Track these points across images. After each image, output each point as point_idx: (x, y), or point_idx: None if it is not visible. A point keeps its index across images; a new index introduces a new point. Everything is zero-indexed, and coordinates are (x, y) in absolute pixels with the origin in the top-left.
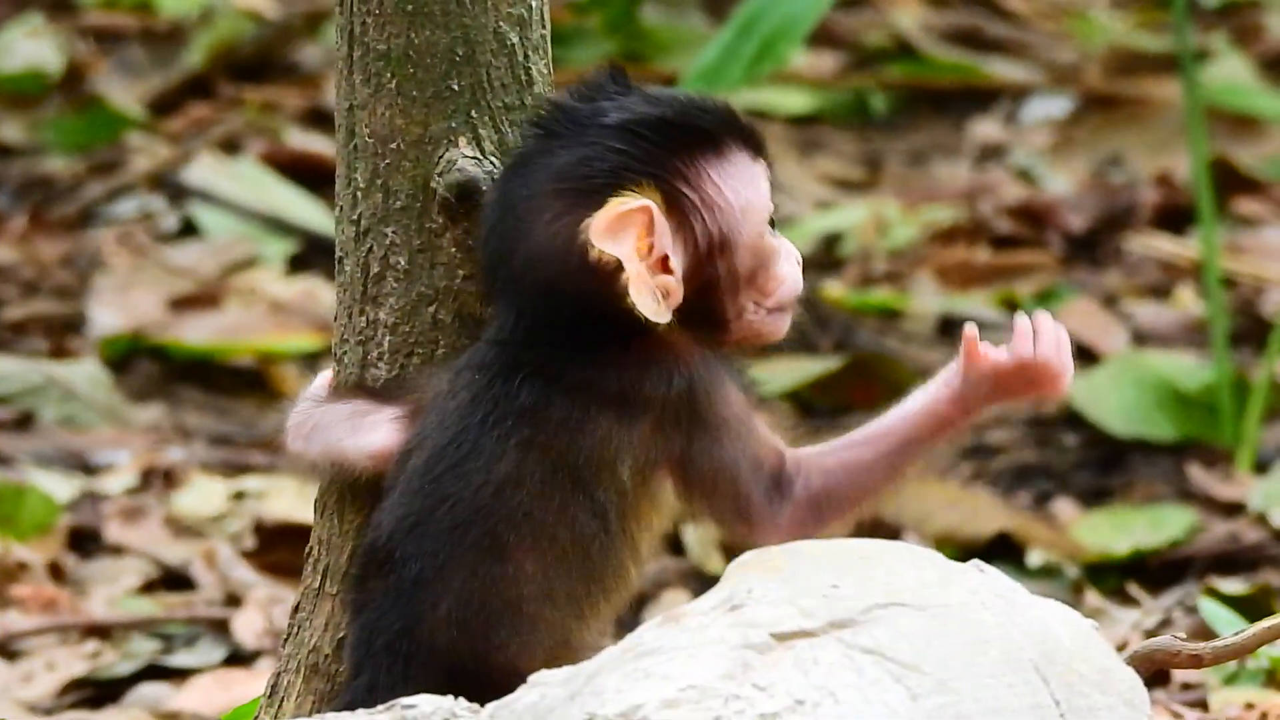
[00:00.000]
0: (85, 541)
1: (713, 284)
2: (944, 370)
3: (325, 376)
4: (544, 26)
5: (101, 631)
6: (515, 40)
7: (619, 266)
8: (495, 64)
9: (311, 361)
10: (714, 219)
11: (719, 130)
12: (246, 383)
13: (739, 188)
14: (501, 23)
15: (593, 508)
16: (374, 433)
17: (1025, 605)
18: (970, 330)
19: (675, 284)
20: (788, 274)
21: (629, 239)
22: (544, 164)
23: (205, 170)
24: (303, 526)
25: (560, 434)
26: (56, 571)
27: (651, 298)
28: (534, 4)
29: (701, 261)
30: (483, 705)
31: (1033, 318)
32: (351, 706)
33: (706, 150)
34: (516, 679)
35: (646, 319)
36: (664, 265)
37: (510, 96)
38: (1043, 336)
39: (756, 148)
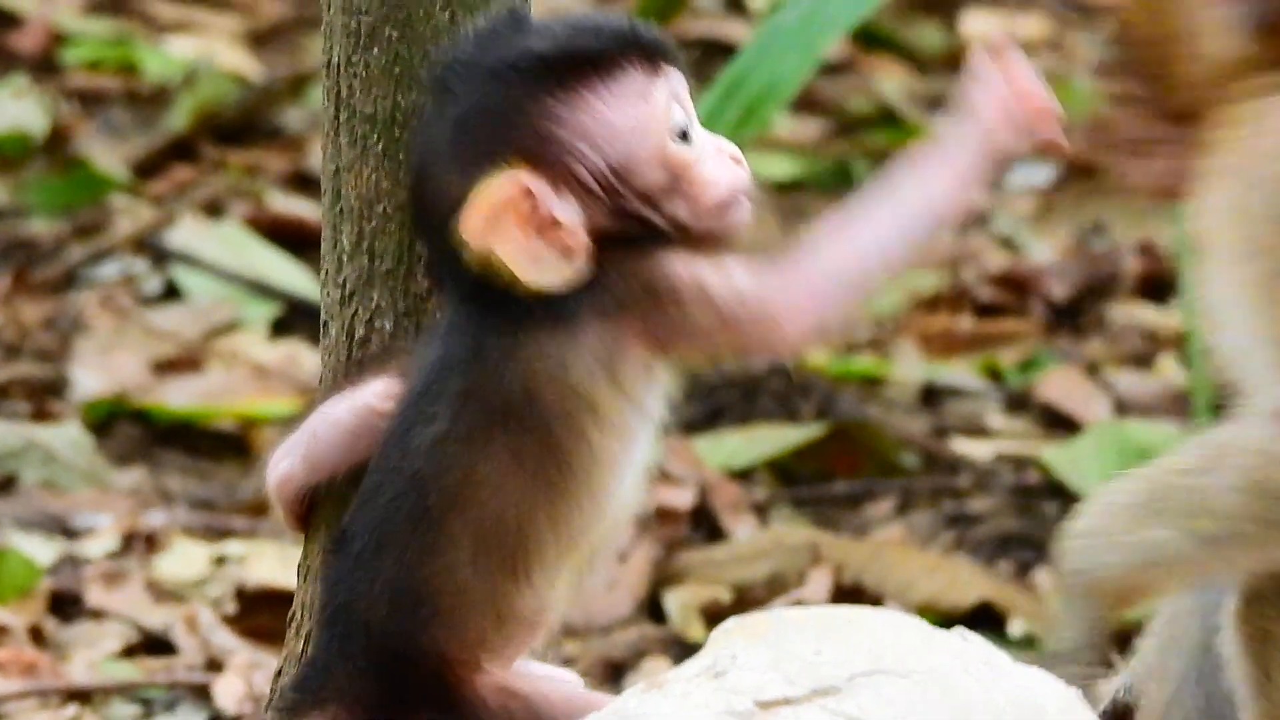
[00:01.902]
0: (66, 605)
1: (626, 209)
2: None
3: None
4: None
5: (82, 696)
6: None
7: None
8: None
9: (294, 426)
10: (601, 151)
11: (602, 53)
12: (229, 447)
13: (627, 108)
14: None
15: (538, 438)
16: (363, 394)
17: (1009, 673)
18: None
19: (573, 237)
20: (714, 174)
21: (506, 226)
22: (436, 125)
23: (188, 233)
24: (284, 592)
25: (491, 371)
26: (37, 635)
27: (551, 267)
28: None
29: (602, 196)
30: (408, 691)
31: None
32: (298, 677)
33: (588, 77)
34: (444, 665)
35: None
36: (555, 223)
37: None
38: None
39: (655, 58)
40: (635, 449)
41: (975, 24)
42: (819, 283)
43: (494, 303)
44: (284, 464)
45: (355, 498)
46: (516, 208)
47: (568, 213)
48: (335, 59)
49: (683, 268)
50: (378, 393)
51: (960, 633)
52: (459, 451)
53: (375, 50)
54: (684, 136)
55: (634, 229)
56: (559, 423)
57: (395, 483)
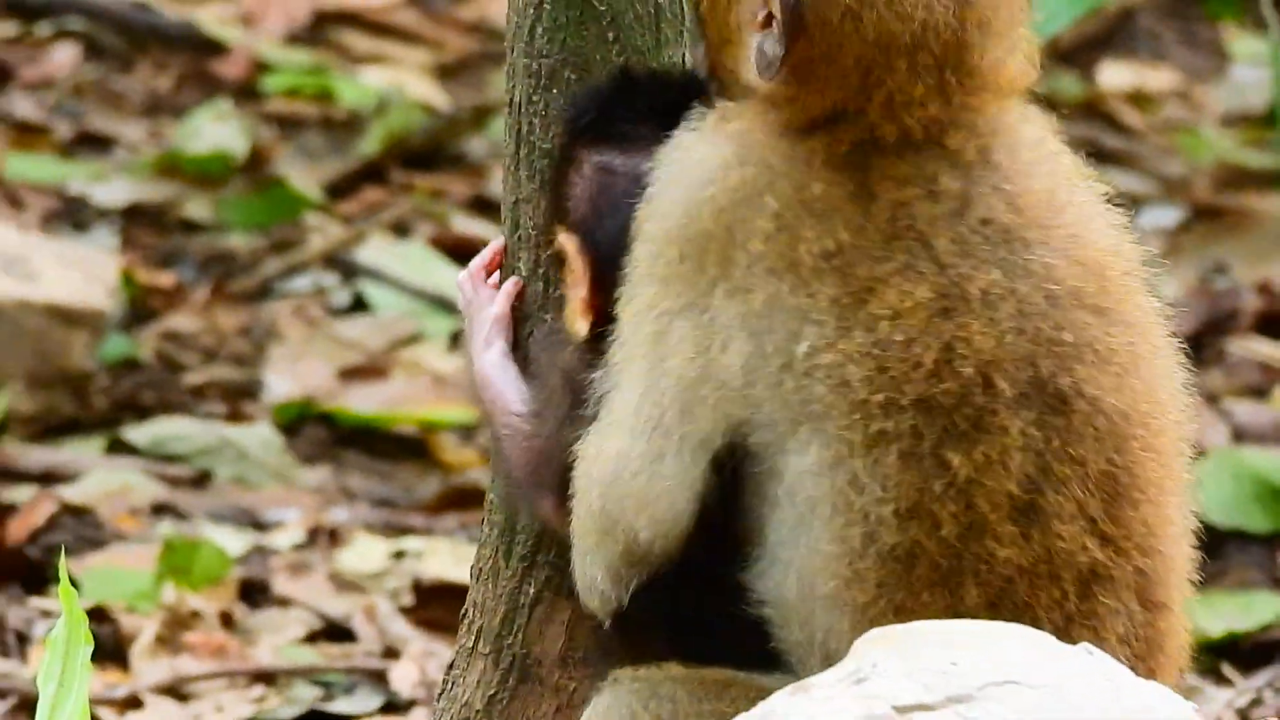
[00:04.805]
0: (254, 593)
1: None
2: None
3: None
4: None
5: (267, 678)
6: None
7: None
8: None
9: (470, 433)
10: None
11: None
12: (409, 450)
13: None
14: None
15: None
16: None
17: (1130, 687)
18: None
19: None
20: None
21: None
22: None
23: (376, 251)
24: (457, 586)
25: None
26: (227, 620)
27: None
28: None
29: None
30: None
31: None
32: None
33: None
34: None
35: None
36: None
37: None
38: None
39: None
40: None
41: (1111, 75)
42: None
43: None
44: None
45: None
46: None
47: None
48: (517, 98)
49: None
50: None
51: (1085, 648)
52: None
53: (554, 91)
54: None
55: None
56: None
57: None
